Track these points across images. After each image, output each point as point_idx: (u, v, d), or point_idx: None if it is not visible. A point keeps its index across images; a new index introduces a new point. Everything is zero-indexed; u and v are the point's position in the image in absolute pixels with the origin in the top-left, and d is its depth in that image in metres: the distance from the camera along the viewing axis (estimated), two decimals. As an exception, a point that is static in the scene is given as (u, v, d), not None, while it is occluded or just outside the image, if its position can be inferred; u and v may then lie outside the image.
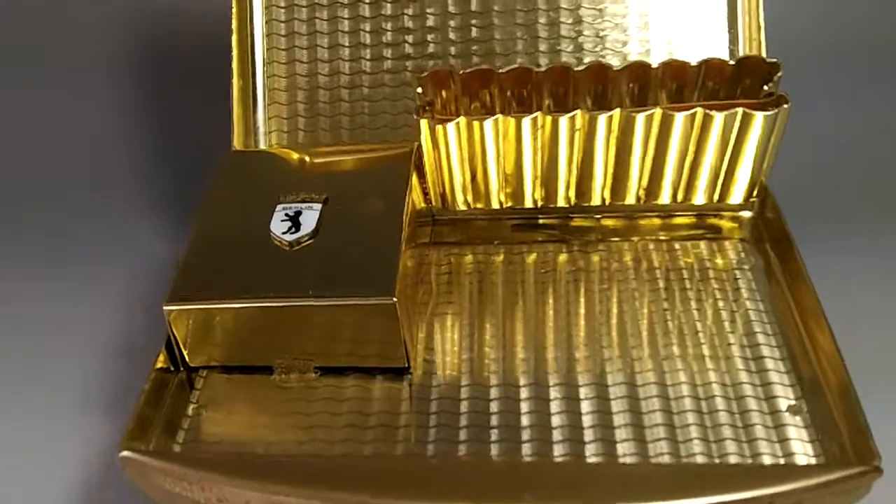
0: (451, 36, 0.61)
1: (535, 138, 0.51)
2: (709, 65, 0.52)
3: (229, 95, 0.62)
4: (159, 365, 0.48)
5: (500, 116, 0.50)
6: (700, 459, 0.42)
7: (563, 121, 0.50)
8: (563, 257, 0.56)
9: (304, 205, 0.50)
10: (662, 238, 0.56)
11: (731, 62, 0.52)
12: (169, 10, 0.82)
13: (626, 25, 0.60)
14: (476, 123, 0.51)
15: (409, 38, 0.61)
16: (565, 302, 0.52)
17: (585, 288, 0.53)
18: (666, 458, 0.42)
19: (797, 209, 0.56)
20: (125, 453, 0.42)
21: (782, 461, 0.42)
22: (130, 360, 0.59)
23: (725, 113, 0.49)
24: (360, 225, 0.50)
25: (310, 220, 0.50)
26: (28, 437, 0.54)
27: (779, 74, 0.50)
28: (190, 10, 0.82)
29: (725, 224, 0.57)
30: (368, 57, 0.62)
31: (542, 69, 0.53)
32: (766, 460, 0.42)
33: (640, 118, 0.50)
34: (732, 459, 0.42)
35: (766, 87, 0.51)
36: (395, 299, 0.45)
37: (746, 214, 0.57)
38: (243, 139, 0.61)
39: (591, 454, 0.42)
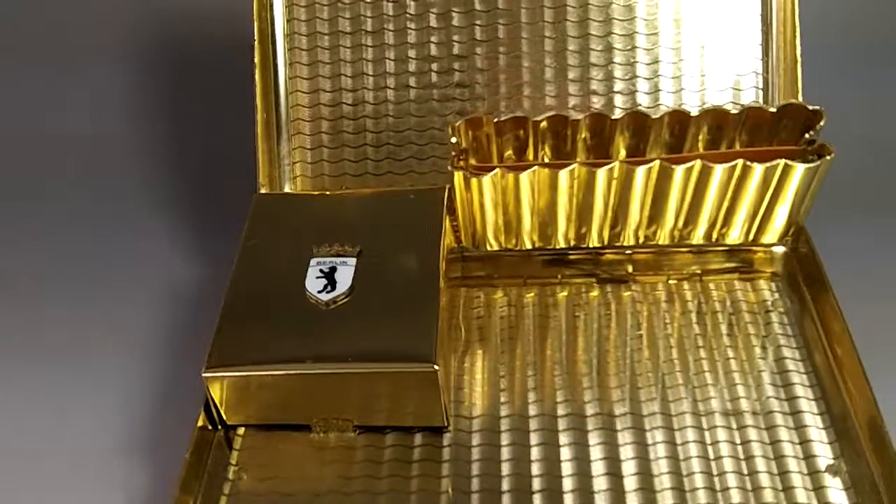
0: (479, 64, 0.60)
1: (571, 187, 0.50)
2: (749, 112, 0.51)
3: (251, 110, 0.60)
4: (199, 424, 0.48)
5: (536, 168, 0.49)
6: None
7: (601, 173, 0.49)
8: (594, 294, 0.56)
9: (338, 259, 0.50)
10: (693, 273, 0.56)
11: (772, 109, 0.51)
12: (185, 10, 0.80)
13: (657, 54, 0.58)
14: (511, 175, 0.50)
15: (435, 66, 0.60)
16: (597, 346, 0.52)
17: (617, 330, 0.53)
18: None
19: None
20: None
21: None
22: (159, 393, 0.58)
23: (766, 165, 0.48)
24: (396, 280, 0.49)
25: (345, 276, 0.49)
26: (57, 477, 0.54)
27: (821, 123, 0.49)
28: (208, 11, 0.80)
29: (758, 258, 0.57)
30: (393, 86, 0.60)
31: (578, 117, 0.51)
32: None
33: (679, 169, 0.49)
34: None
35: (807, 136, 0.50)
36: (435, 367, 0.45)
37: (779, 250, 0.56)
38: (267, 171, 0.61)
39: None
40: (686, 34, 0.58)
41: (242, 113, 0.62)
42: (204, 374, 0.46)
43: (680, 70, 0.58)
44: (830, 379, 0.49)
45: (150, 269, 0.69)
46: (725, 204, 0.52)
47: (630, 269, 0.57)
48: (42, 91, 0.82)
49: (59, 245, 0.72)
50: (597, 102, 0.59)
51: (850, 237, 0.62)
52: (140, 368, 0.61)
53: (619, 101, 0.58)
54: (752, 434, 0.47)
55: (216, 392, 0.47)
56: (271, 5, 0.60)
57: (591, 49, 0.59)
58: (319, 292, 0.48)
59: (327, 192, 0.57)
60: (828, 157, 0.49)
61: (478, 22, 0.60)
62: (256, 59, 0.59)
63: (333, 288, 0.49)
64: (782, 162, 0.48)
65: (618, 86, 0.59)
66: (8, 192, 0.77)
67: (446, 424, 0.48)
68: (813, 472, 0.45)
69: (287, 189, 0.61)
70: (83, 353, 0.62)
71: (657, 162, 0.49)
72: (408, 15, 0.60)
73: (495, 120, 0.52)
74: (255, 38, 0.60)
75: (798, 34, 0.57)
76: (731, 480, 0.45)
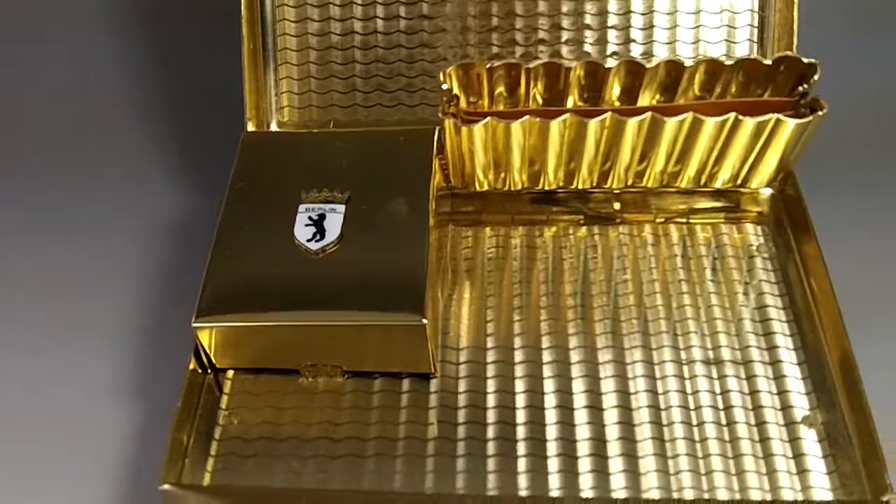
0: (470, -3, 0.58)
1: (562, 136, 0.50)
2: (743, 63, 0.50)
3: (238, 53, 0.59)
4: (191, 367, 0.49)
5: (527, 118, 0.49)
6: (722, 495, 0.43)
7: (593, 123, 0.49)
8: (581, 233, 0.56)
9: (327, 206, 0.50)
10: (681, 213, 0.56)
11: (767, 62, 0.50)
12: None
13: (653, 20, 0.57)
14: (502, 124, 0.49)
15: (426, -4, 0.58)
16: (582, 289, 0.53)
17: (604, 272, 0.54)
18: (688, 494, 0.44)
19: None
20: (166, 487, 0.43)
21: (797, 477, 0.44)
22: (151, 321, 0.59)
23: (757, 120, 0.48)
24: (384, 229, 0.49)
25: (334, 224, 0.49)
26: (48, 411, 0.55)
27: (815, 77, 0.49)
28: None
29: (745, 200, 0.57)
30: (383, 16, 0.59)
31: (572, 65, 0.51)
32: (783, 479, 0.44)
33: (671, 122, 0.48)
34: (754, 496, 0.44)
35: (800, 88, 0.49)
36: (424, 321, 0.45)
37: (766, 192, 0.57)
38: (255, 101, 0.60)
39: (617, 488, 0.44)
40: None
41: (231, 42, 0.61)
42: (193, 325, 0.47)
43: (675, 21, 0.57)
44: (810, 326, 0.50)
45: (139, 198, 0.69)
46: (715, 153, 0.52)
47: (617, 206, 0.57)
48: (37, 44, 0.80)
49: (50, 176, 0.72)
50: (589, 38, 0.58)
51: (840, 185, 0.62)
52: (130, 298, 0.61)
53: (611, 36, 0.58)
54: (732, 383, 0.48)
55: (205, 339, 0.48)
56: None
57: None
58: (308, 241, 0.49)
59: (315, 131, 0.56)
60: (819, 113, 0.48)
61: (470, -49, 0.58)
62: (242, -13, 0.58)
63: (322, 236, 0.49)
64: (774, 117, 0.48)
65: (612, 36, 0.58)
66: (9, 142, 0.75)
67: (433, 371, 0.48)
68: (789, 423, 0.46)
69: (274, 120, 0.60)
70: (74, 283, 0.63)
71: (649, 114, 0.48)
72: (399, -58, 0.58)
73: (487, 66, 0.51)
74: (241, -33, 0.58)
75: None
76: (710, 431, 0.46)
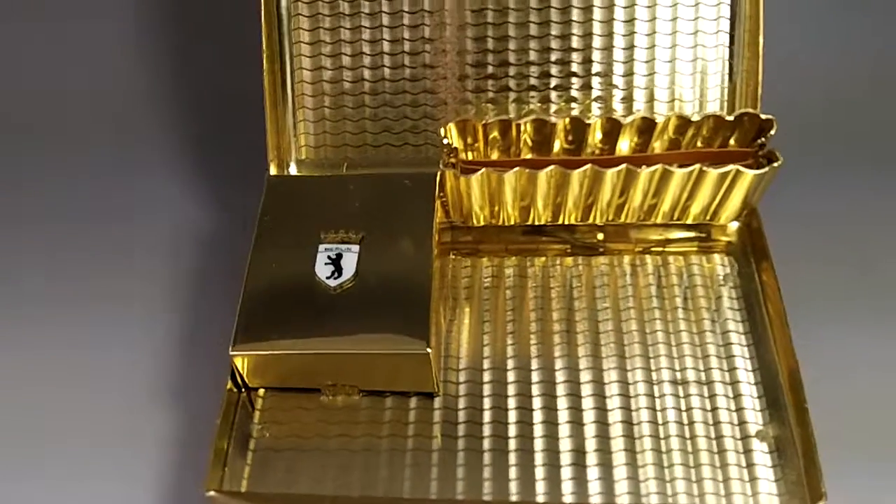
0: (468, 46, 0.65)
1: (549, 183, 0.57)
2: (708, 119, 0.57)
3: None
4: (228, 387, 0.56)
5: (518, 170, 0.56)
6: (683, 501, 0.51)
7: (575, 174, 0.56)
8: (567, 262, 0.64)
9: (343, 246, 0.57)
10: (657, 242, 0.64)
11: (729, 118, 0.57)
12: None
13: (632, 41, 0.64)
14: (496, 175, 0.56)
15: (428, 48, 0.65)
16: (567, 314, 0.60)
17: (587, 300, 0.61)
18: (654, 500, 0.51)
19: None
20: (211, 493, 0.51)
21: (749, 484, 0.52)
22: (182, 333, 0.66)
23: (719, 171, 0.55)
24: (394, 267, 0.57)
25: (350, 263, 0.56)
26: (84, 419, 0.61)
27: (771, 132, 0.56)
28: None
29: (715, 232, 0.64)
30: (389, 65, 0.66)
31: (557, 122, 0.58)
32: (736, 486, 0.52)
33: (644, 173, 0.56)
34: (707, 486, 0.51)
35: (759, 140, 0.56)
36: (428, 351, 0.53)
37: (734, 225, 0.64)
38: (276, 141, 0.66)
39: (595, 493, 0.52)
40: (659, 28, 0.63)
41: (252, 70, 0.68)
42: (231, 353, 0.54)
43: (653, 82, 0.64)
44: (766, 349, 0.57)
45: (165, 214, 0.76)
46: (685, 196, 0.59)
47: (601, 237, 0.64)
48: (60, 44, 0.87)
49: (79, 193, 0.79)
50: (575, 84, 0.65)
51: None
52: (158, 311, 0.68)
53: (595, 83, 0.65)
54: (696, 401, 0.55)
55: (240, 364, 0.55)
56: (275, -4, 0.64)
57: (573, 34, 0.65)
58: (328, 278, 0.56)
59: (331, 175, 0.64)
60: (775, 164, 0.55)
61: (468, 8, 0.65)
62: (263, 40, 0.64)
63: (340, 274, 0.56)
64: (734, 168, 0.55)
65: (595, 67, 0.65)
66: (33, 144, 0.83)
67: (436, 391, 0.56)
68: (744, 437, 0.54)
69: (293, 158, 0.67)
70: (104, 298, 0.69)
71: (624, 166, 0.55)
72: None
73: (483, 122, 0.58)
74: (262, 19, 0.64)
75: (762, 29, 0.62)
76: (675, 443, 0.54)
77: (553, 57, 0.65)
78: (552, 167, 0.56)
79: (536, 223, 0.63)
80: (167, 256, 0.73)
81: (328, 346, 0.54)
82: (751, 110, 0.58)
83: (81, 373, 0.64)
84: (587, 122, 0.58)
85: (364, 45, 0.65)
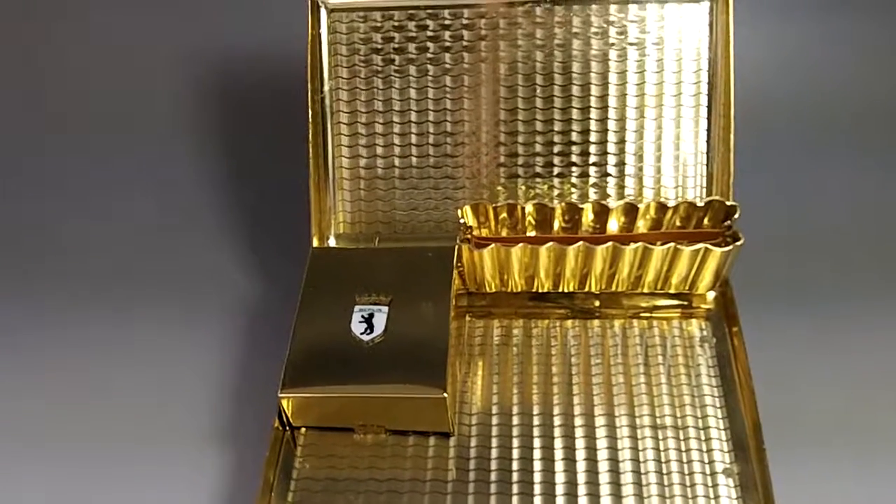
0: (483, 139, 0.77)
1: (549, 257, 0.68)
2: (683, 205, 0.68)
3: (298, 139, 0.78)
4: (275, 425, 0.67)
5: (522, 245, 0.67)
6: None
7: (571, 249, 0.67)
8: (567, 324, 0.74)
9: (375, 307, 0.68)
10: (645, 309, 0.74)
11: (700, 204, 0.68)
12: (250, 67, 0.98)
13: (623, 136, 0.75)
14: (504, 249, 0.67)
15: (450, 140, 0.77)
16: (566, 371, 0.70)
17: (583, 358, 0.71)
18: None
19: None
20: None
21: None
22: (227, 390, 0.77)
23: (691, 249, 0.66)
24: (418, 324, 0.67)
25: (380, 321, 0.67)
26: (136, 470, 0.70)
27: (736, 216, 0.67)
28: (267, 59, 0.98)
29: (695, 300, 0.74)
30: (416, 154, 0.77)
31: (555, 206, 0.69)
32: None
33: (629, 249, 0.67)
34: None
35: (726, 223, 0.67)
36: (445, 395, 0.63)
37: (711, 295, 0.74)
38: (318, 219, 0.78)
39: None
40: (647, 142, 0.75)
41: (297, 161, 0.80)
42: (279, 395, 0.65)
43: (641, 161, 0.75)
44: (734, 401, 0.67)
45: (219, 285, 0.87)
46: (664, 271, 0.69)
47: (596, 303, 0.75)
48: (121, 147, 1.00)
49: (144, 263, 0.91)
50: (575, 172, 0.76)
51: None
52: (211, 371, 0.79)
53: (592, 171, 0.76)
54: (672, 444, 0.65)
55: (286, 405, 0.66)
56: (321, 90, 0.77)
57: (573, 130, 0.76)
58: (361, 334, 0.67)
59: (364, 248, 0.75)
60: (738, 243, 0.66)
61: (483, 107, 0.76)
62: (310, 135, 0.76)
63: (372, 331, 0.67)
64: (703, 247, 0.66)
65: (593, 158, 0.76)
66: (104, 215, 0.95)
67: (452, 431, 0.66)
68: (713, 473, 0.63)
69: (332, 232, 0.78)
70: (164, 356, 0.80)
71: (611, 243, 0.66)
72: (429, 99, 0.77)
73: (494, 205, 0.70)
74: (308, 117, 0.77)
75: (733, 129, 0.74)
76: (653, 478, 0.63)
77: (556, 149, 0.76)
78: (551, 244, 0.67)
79: (540, 290, 0.74)
80: (220, 318, 0.84)
81: (361, 390, 0.65)
82: (718, 198, 0.69)
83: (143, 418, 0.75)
84: (580, 206, 0.69)
85: (395, 137, 0.77)
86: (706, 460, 0.64)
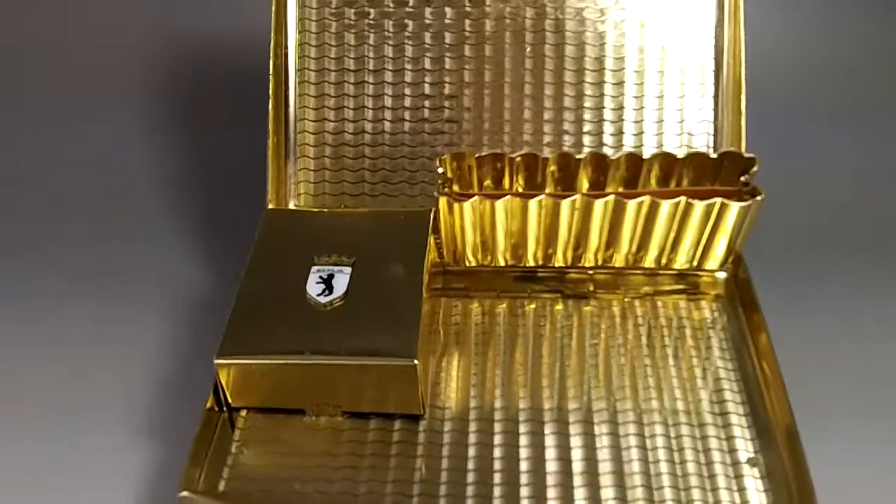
0: (466, 103, 0.68)
1: (539, 214, 0.59)
2: (693, 156, 0.59)
3: (261, 125, 0.69)
4: (207, 406, 0.56)
5: (509, 198, 0.57)
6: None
7: (565, 203, 0.57)
8: (558, 307, 0.64)
9: (335, 268, 0.58)
10: (646, 293, 0.64)
11: (713, 156, 0.59)
12: (207, 41, 0.91)
13: (621, 101, 0.67)
14: (488, 202, 0.58)
15: (427, 104, 0.68)
16: (559, 353, 0.60)
17: (577, 339, 0.61)
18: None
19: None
20: (184, 493, 0.49)
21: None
22: (168, 384, 0.66)
23: (705, 203, 0.57)
24: (385, 288, 0.57)
25: (341, 282, 0.57)
26: (72, 461, 0.61)
27: (755, 169, 0.58)
28: (226, 39, 0.91)
29: (703, 281, 0.65)
30: (390, 118, 0.69)
31: (547, 156, 0.60)
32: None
33: (632, 204, 0.57)
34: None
35: (742, 179, 0.58)
36: (415, 362, 0.53)
37: (721, 276, 0.64)
38: (276, 188, 0.68)
39: (580, 498, 0.50)
40: (648, 88, 0.67)
41: (253, 135, 0.71)
42: (216, 361, 0.54)
43: (641, 117, 0.67)
44: (754, 384, 0.56)
45: (164, 274, 0.77)
46: (672, 234, 0.60)
47: (591, 287, 0.65)
48: (69, 111, 0.91)
49: (82, 250, 0.81)
50: (567, 142, 0.67)
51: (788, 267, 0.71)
52: (152, 364, 0.68)
53: (586, 140, 0.67)
54: (685, 430, 0.54)
55: (224, 377, 0.55)
56: (286, 44, 0.68)
57: (565, 94, 0.68)
58: (318, 295, 0.56)
59: (328, 210, 0.65)
60: (758, 198, 0.57)
61: (467, 67, 0.68)
62: (270, 91, 0.68)
63: (331, 292, 0.57)
64: (719, 200, 0.57)
65: (586, 127, 0.67)
66: (33, 204, 0.86)
67: (422, 413, 0.55)
68: (735, 463, 0.53)
69: (292, 204, 0.69)
70: (101, 348, 0.70)
71: (612, 196, 0.57)
72: (406, 58, 0.68)
73: (476, 155, 0.61)
74: (270, 72, 0.68)
75: (743, 91, 0.65)
76: (664, 468, 0.52)
77: (546, 116, 0.68)
78: (542, 196, 0.57)
79: (528, 265, 0.64)
80: (161, 309, 0.74)
81: (313, 358, 0.54)
82: (733, 149, 0.60)
83: (68, 410, 0.65)
84: (577, 156, 0.60)
85: (367, 98, 0.69)
86: (726, 449, 0.54)
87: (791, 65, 0.88)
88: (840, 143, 0.85)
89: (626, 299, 0.64)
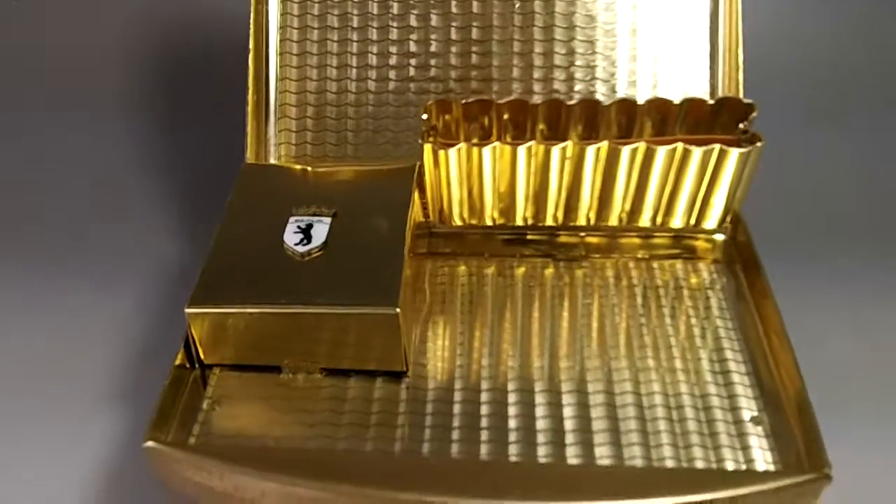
0: (453, 62, 0.65)
1: (529, 164, 0.56)
2: (690, 102, 0.56)
3: (243, 108, 0.66)
4: (177, 362, 0.52)
5: (497, 144, 0.55)
6: (669, 464, 0.46)
7: (555, 150, 0.55)
8: (549, 271, 0.61)
9: (314, 218, 0.55)
10: (641, 256, 0.61)
11: (711, 101, 0.57)
12: (187, 21, 0.87)
13: (614, 58, 0.64)
14: (475, 150, 0.55)
15: (413, 62, 0.66)
16: (550, 313, 0.57)
17: (569, 300, 0.58)
18: (638, 462, 0.47)
19: (768, 234, 0.60)
20: (149, 444, 0.46)
21: (744, 467, 0.47)
22: (145, 354, 0.63)
23: (703, 149, 0.54)
24: (367, 238, 0.54)
25: (320, 232, 0.54)
26: (47, 427, 0.58)
27: (753, 114, 0.55)
28: (208, 19, 0.87)
29: (700, 245, 0.62)
30: (374, 77, 0.66)
31: (537, 102, 0.57)
32: (730, 466, 0.47)
33: (626, 150, 0.54)
34: (699, 465, 0.47)
35: (741, 126, 0.56)
36: (398, 310, 0.49)
37: (720, 238, 0.61)
38: (255, 149, 0.65)
39: (572, 456, 0.47)
40: (641, 43, 0.64)
41: (232, 111, 0.68)
42: (187, 311, 0.51)
43: (635, 74, 0.64)
44: (757, 342, 0.53)
45: (141, 246, 0.74)
46: (668, 188, 0.57)
47: (583, 252, 0.62)
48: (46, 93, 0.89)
49: (59, 222, 0.78)
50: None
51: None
52: (128, 332, 0.66)
53: (577, 99, 0.64)
54: (683, 388, 0.51)
55: (196, 330, 0.51)
56: (267, 1, 0.66)
57: (555, 52, 0.65)
58: (296, 245, 0.53)
59: (308, 167, 0.62)
60: (758, 144, 0.54)
61: (453, 24, 0.65)
62: (251, 46, 0.65)
63: (309, 241, 0.53)
64: (718, 147, 0.54)
65: (578, 86, 0.65)
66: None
67: (406, 369, 0.52)
68: (737, 422, 0.49)
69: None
70: (78, 317, 0.67)
71: (606, 143, 0.54)
72: (391, 14, 0.66)
73: (463, 101, 0.58)
74: (251, 28, 0.65)
75: (741, 44, 0.63)
76: (662, 425, 0.49)
77: (536, 75, 0.65)
78: (532, 143, 0.54)
79: (517, 224, 0.61)
80: (137, 280, 0.71)
81: (292, 306, 0.51)
82: (730, 95, 0.57)
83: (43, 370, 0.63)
84: (569, 103, 0.57)
85: (350, 57, 0.66)
86: (727, 407, 0.50)
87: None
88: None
89: (620, 262, 0.61)
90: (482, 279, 0.60)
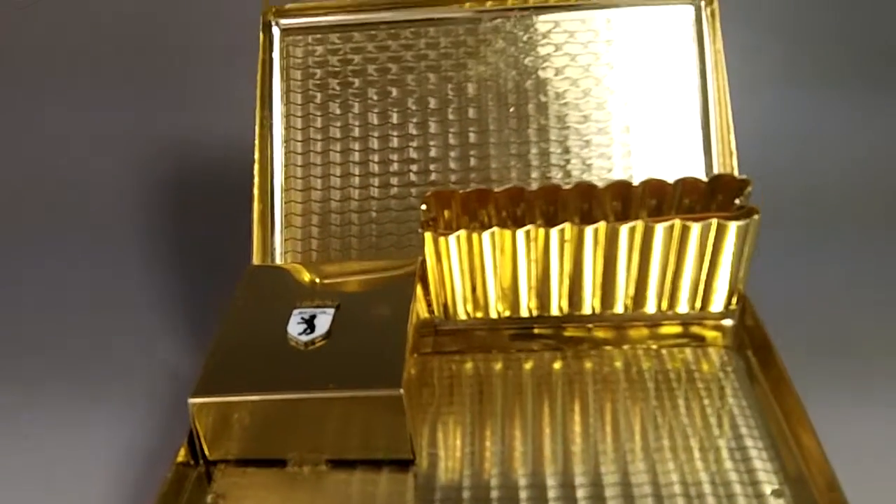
0: (452, 165, 0.67)
1: (529, 250, 0.56)
2: (685, 182, 0.57)
3: (249, 219, 0.67)
4: (180, 459, 0.51)
5: (496, 229, 0.55)
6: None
7: (554, 232, 0.55)
8: (557, 364, 0.60)
9: (318, 309, 0.55)
10: (650, 346, 0.60)
11: (705, 179, 0.58)
12: (194, 139, 0.92)
13: (610, 154, 0.66)
14: (475, 235, 0.56)
15: (414, 168, 0.68)
16: (561, 405, 0.56)
17: (579, 392, 0.57)
18: None
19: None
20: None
21: None
22: (148, 460, 0.62)
23: (702, 224, 0.54)
24: (370, 328, 0.54)
25: (323, 323, 0.54)
26: None
27: (748, 189, 0.56)
28: (213, 138, 0.91)
29: (709, 333, 0.61)
30: (377, 184, 0.68)
31: (534, 188, 0.58)
32: None
33: (624, 230, 0.55)
34: None
35: (737, 201, 0.56)
36: (401, 391, 0.49)
37: (728, 323, 0.61)
38: (261, 258, 0.66)
39: None
40: (635, 139, 0.66)
41: (238, 223, 0.70)
42: (191, 401, 0.50)
43: (631, 169, 0.66)
44: (776, 424, 0.52)
45: (146, 351, 0.74)
46: (670, 269, 0.57)
47: (591, 345, 0.61)
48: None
49: (64, 327, 0.79)
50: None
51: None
52: (132, 434, 0.64)
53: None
54: (702, 473, 0.49)
55: (201, 422, 0.51)
56: (271, 113, 0.68)
57: (552, 152, 0.67)
58: (299, 335, 0.53)
59: (312, 263, 0.63)
60: (755, 217, 0.54)
61: (451, 129, 0.68)
62: (256, 157, 0.67)
63: (312, 331, 0.53)
64: (715, 221, 0.54)
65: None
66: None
67: (412, 457, 0.51)
68: (759, 496, 0.48)
69: (277, 271, 0.66)
70: (83, 420, 0.67)
71: (603, 223, 0.55)
72: (390, 124, 0.68)
73: (461, 191, 0.59)
74: (256, 141, 0.68)
75: (732, 130, 0.64)
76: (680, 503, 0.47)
77: (534, 174, 0.67)
78: (530, 227, 0.55)
79: (523, 316, 0.61)
80: (142, 386, 0.70)
81: (296, 392, 0.50)
82: (724, 172, 0.58)
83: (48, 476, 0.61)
84: (565, 187, 0.58)
85: (353, 166, 0.68)
86: (747, 482, 0.49)
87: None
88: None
89: (628, 352, 0.60)
90: (490, 374, 0.59)
